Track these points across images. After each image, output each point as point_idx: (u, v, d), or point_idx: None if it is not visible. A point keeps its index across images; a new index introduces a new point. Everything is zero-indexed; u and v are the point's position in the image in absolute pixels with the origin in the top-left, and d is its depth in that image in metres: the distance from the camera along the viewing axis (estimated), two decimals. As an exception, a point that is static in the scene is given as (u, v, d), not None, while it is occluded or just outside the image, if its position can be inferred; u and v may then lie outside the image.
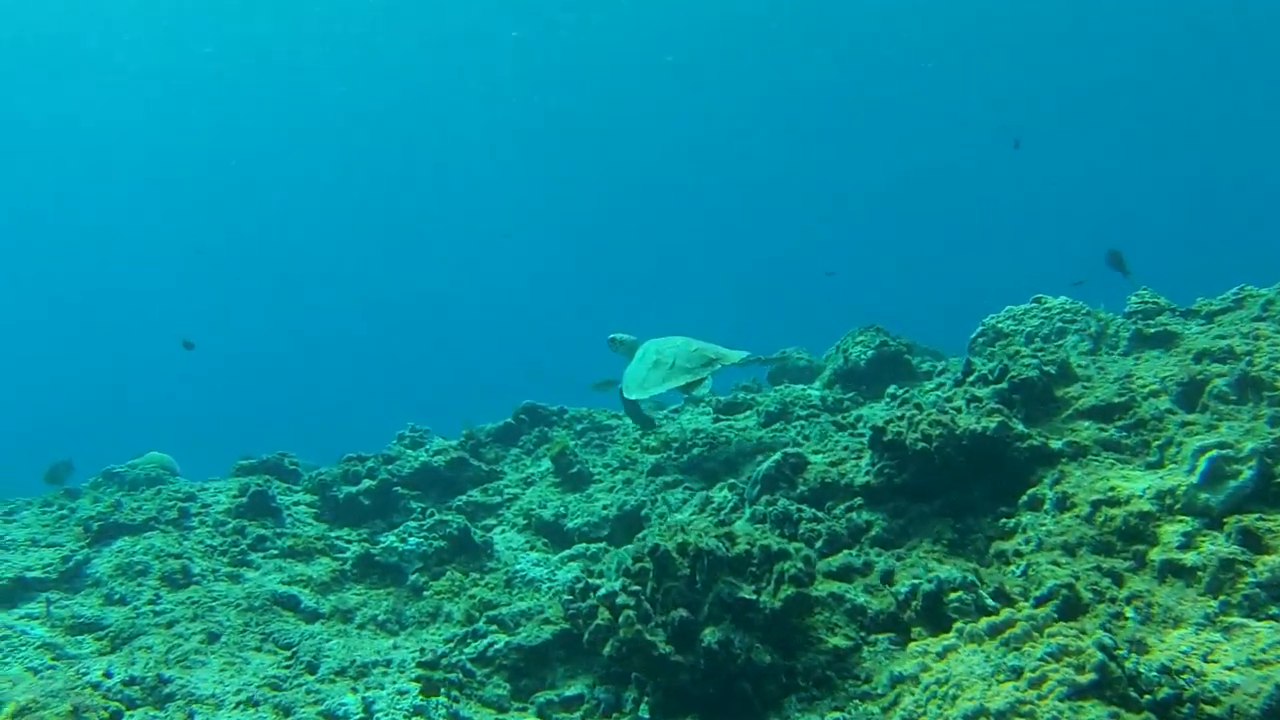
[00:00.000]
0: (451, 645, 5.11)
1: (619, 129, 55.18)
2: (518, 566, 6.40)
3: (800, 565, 4.21)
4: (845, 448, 5.88)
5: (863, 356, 8.79)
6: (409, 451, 8.63)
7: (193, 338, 17.29)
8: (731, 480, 6.47)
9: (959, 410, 5.36)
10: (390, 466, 8.16)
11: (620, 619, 4.03)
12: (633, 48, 49.49)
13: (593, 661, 4.78)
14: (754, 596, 4.14)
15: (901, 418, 5.26)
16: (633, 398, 7.32)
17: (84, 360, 64.10)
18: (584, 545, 6.60)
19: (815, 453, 5.86)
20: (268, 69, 47.42)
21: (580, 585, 4.52)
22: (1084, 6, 40.39)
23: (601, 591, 4.17)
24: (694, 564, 4.18)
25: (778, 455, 5.62)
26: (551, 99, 51.28)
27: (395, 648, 5.36)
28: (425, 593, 6.15)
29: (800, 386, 9.50)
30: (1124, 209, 58.38)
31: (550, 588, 6.17)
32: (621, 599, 4.09)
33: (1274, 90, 44.71)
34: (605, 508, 7.05)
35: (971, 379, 5.95)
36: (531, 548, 6.93)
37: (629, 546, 4.69)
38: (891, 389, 7.82)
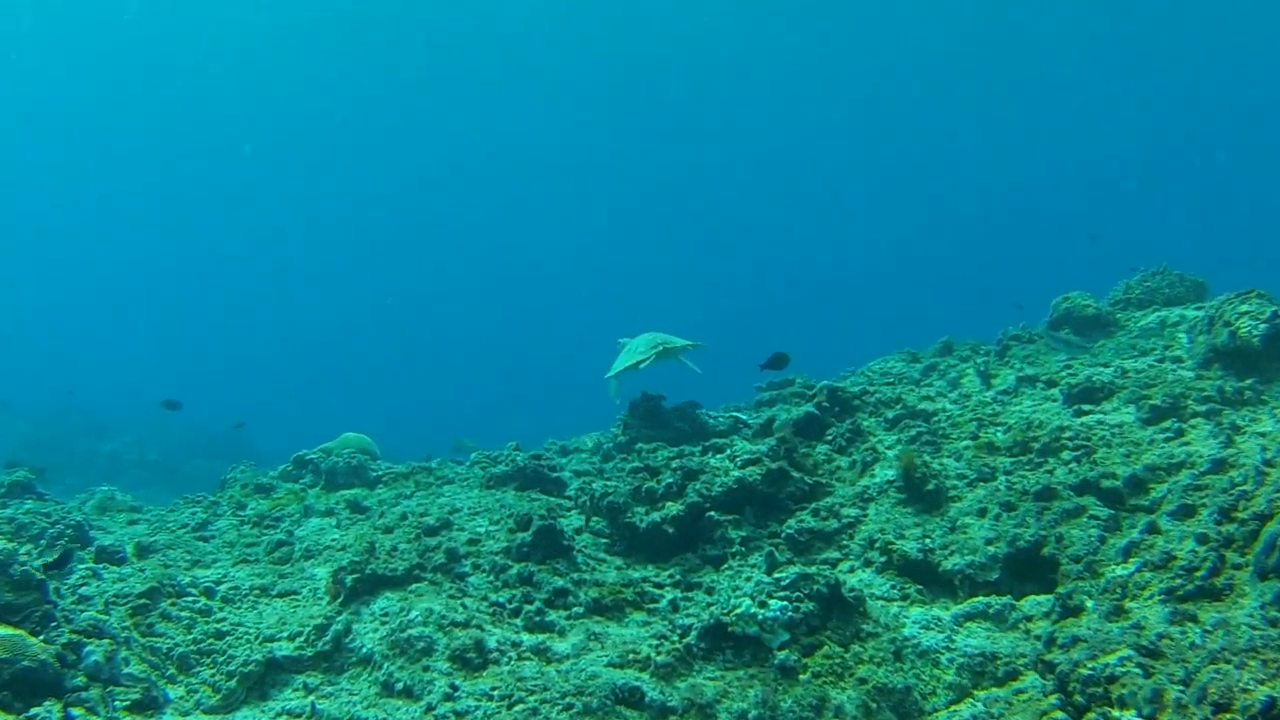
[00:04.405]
0: (885, 778, 3.93)
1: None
2: (905, 632, 5.14)
3: None
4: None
5: (1255, 332, 7.09)
6: (712, 461, 7.40)
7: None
8: (1197, 527, 4.90)
9: None
10: (697, 484, 6.95)
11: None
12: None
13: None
14: None
15: None
16: (607, 377, 9.26)
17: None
18: (983, 601, 5.27)
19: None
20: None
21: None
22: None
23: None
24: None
25: (1300, 509, 4.16)
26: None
27: (801, 774, 4.19)
28: (800, 675, 4.92)
29: (1171, 366, 7.84)
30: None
31: (951, 659, 4.92)
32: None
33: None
34: (989, 543, 5.67)
35: None
36: (905, 598, 5.63)
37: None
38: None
